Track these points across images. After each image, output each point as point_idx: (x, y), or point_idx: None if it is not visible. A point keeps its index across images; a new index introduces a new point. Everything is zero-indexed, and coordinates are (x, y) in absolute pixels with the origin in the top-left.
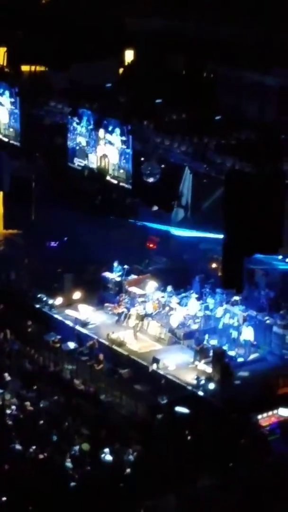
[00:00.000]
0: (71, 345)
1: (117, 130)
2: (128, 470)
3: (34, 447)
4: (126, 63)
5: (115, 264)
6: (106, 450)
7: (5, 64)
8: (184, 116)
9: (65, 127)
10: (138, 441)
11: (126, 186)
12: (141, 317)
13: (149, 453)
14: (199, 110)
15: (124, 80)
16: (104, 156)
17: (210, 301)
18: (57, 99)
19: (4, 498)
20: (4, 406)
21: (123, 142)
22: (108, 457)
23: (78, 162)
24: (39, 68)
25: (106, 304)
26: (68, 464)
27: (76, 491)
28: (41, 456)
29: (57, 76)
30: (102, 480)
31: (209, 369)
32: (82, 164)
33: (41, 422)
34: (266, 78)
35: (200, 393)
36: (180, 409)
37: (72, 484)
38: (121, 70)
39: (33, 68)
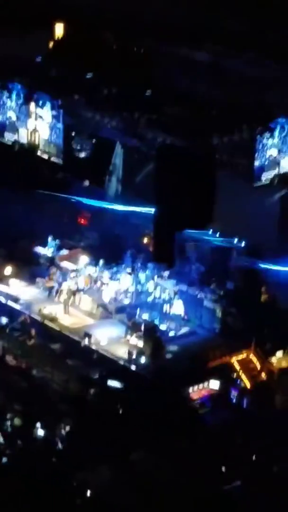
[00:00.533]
0: (3, 320)
1: (48, 105)
2: (60, 445)
3: None
4: (56, 37)
5: (49, 239)
6: (38, 425)
7: None
8: (115, 91)
9: None
10: (70, 415)
11: (57, 161)
12: (73, 292)
13: (81, 427)
14: (130, 85)
15: (55, 54)
16: (35, 130)
17: (142, 276)
18: None
19: None
20: None
21: (54, 116)
22: (40, 432)
23: (8, 137)
24: None
25: (38, 279)
26: (0, 439)
27: (9, 466)
28: None
29: None
30: (34, 454)
31: (140, 343)
32: (13, 139)
33: None
34: (198, 53)
35: (132, 367)
36: (113, 383)
37: (4, 459)
38: (51, 44)
39: None
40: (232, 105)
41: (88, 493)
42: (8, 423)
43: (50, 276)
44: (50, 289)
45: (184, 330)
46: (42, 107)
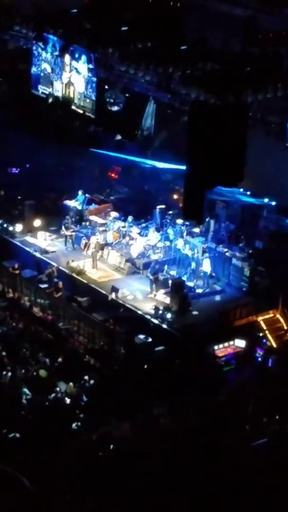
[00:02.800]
0: (31, 272)
1: (84, 58)
2: (84, 398)
3: None
4: None
5: (80, 193)
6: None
7: None
8: (149, 45)
9: (30, 52)
10: (95, 368)
11: (90, 114)
12: (101, 246)
13: (106, 381)
14: (165, 40)
15: (90, 6)
16: (70, 83)
17: (170, 232)
18: (21, 24)
19: None
20: None
21: (89, 70)
22: (63, 385)
23: (42, 90)
24: None
25: (67, 232)
26: (25, 390)
27: (33, 419)
28: None
29: (23, 1)
30: (59, 407)
31: (167, 299)
32: (47, 92)
33: None
34: (233, 8)
35: (158, 322)
36: (138, 338)
37: (29, 411)
38: None
39: None
40: (267, 62)
41: (111, 447)
42: (34, 374)
43: (66, 225)
44: (66, 237)
45: (211, 287)
46: (77, 60)
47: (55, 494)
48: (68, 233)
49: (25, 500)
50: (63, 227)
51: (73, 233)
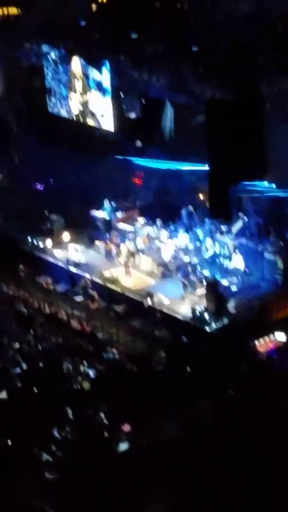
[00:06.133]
0: (64, 286)
1: (95, 67)
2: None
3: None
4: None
5: (105, 202)
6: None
7: None
8: (160, 48)
9: (42, 68)
10: (137, 375)
11: (108, 123)
12: (132, 253)
13: (148, 387)
14: (175, 41)
15: (98, 15)
16: (84, 94)
17: (200, 232)
18: (32, 40)
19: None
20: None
21: (101, 78)
22: (109, 393)
23: (58, 102)
24: (12, 10)
25: (97, 242)
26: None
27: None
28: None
29: (30, 16)
30: (104, 416)
31: (203, 300)
32: (63, 105)
33: (41, 364)
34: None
35: (197, 324)
36: (178, 341)
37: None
38: (93, 6)
39: (5, 10)
40: (282, 52)
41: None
42: (78, 387)
43: (111, 239)
44: (109, 251)
45: (246, 284)
46: (89, 70)
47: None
48: (112, 244)
49: None
50: (107, 241)
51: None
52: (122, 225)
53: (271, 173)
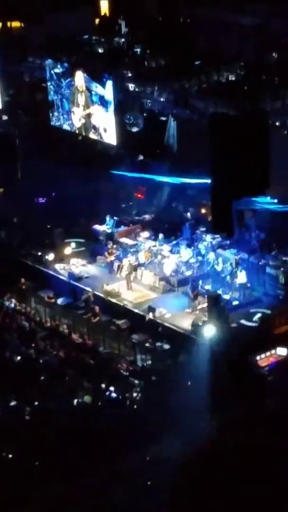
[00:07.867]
0: (66, 299)
1: (98, 82)
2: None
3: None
4: (102, 13)
5: (107, 218)
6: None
7: None
8: (163, 63)
9: (45, 82)
10: (139, 389)
11: (110, 137)
12: (134, 267)
13: (150, 399)
14: (178, 55)
15: (101, 30)
16: (87, 108)
17: (202, 247)
18: (36, 54)
19: (10, 455)
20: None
21: (104, 93)
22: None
23: (60, 117)
24: (15, 24)
25: (99, 257)
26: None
27: (81, 445)
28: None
29: (34, 31)
30: (106, 430)
31: (205, 314)
32: (64, 120)
33: (42, 377)
34: (241, 17)
35: (198, 338)
36: (179, 355)
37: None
38: (97, 21)
39: (8, 24)
40: (283, 68)
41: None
42: (80, 401)
43: (109, 251)
44: (111, 264)
45: (248, 298)
46: (92, 84)
47: None
48: (112, 258)
49: None
50: (106, 253)
51: (115, 258)
52: (124, 239)
53: (273, 188)
